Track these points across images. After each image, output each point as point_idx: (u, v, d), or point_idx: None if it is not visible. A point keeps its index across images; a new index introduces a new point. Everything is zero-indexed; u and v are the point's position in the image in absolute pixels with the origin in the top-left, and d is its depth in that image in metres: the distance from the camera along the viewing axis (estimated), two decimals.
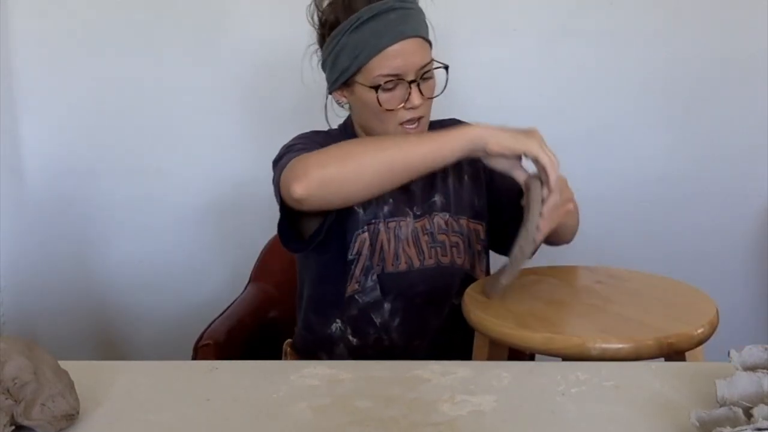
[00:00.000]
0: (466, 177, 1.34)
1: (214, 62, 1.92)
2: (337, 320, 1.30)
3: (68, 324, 2.05)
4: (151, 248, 2.02)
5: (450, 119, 1.39)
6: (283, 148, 1.26)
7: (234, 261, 1.97)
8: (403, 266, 1.28)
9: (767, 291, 1.96)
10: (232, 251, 2.00)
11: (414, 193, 1.31)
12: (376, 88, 1.18)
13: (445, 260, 1.31)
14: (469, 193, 1.34)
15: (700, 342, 1.04)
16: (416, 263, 1.28)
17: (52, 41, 1.92)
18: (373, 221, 1.27)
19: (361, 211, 1.26)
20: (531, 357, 1.25)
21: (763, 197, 1.93)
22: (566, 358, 1.01)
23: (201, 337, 1.34)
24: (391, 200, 1.28)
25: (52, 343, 1.75)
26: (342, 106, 1.30)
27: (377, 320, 1.29)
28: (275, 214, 1.24)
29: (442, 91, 1.25)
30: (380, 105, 1.19)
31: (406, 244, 1.28)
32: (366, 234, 1.26)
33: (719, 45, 1.86)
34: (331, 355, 1.32)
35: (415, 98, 1.19)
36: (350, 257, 1.25)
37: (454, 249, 1.32)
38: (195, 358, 1.32)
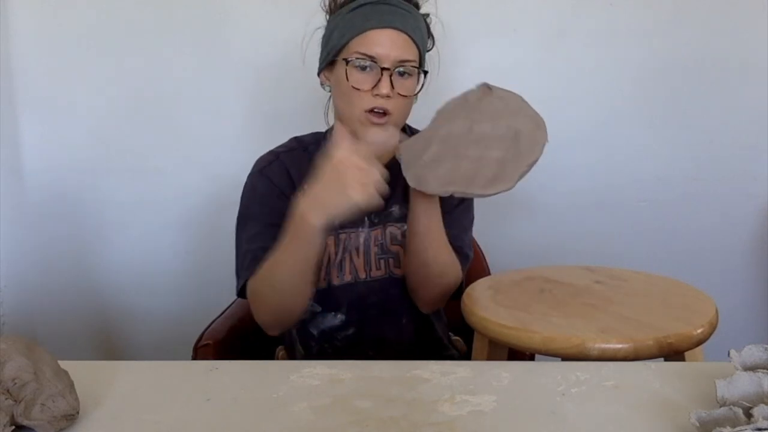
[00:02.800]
0: None
1: (214, 62, 1.92)
2: (292, 328, 1.33)
3: (68, 324, 2.04)
4: (151, 248, 2.02)
5: None
6: (243, 191, 1.30)
7: (234, 261, 1.97)
8: (347, 277, 1.28)
9: (767, 291, 1.96)
10: (232, 251, 1.99)
11: None
12: (348, 62, 1.20)
13: (398, 272, 1.29)
14: None
15: (700, 342, 1.04)
16: (362, 274, 1.28)
17: (53, 41, 1.92)
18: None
19: None
20: (531, 357, 1.24)
21: (763, 197, 1.93)
22: (566, 358, 1.01)
23: (201, 337, 1.34)
24: None
25: (52, 343, 1.76)
26: (324, 88, 1.30)
27: (314, 332, 1.30)
28: None
29: (416, 93, 1.24)
30: (347, 79, 1.19)
31: (355, 254, 1.28)
32: None
33: (719, 45, 1.86)
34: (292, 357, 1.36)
35: (384, 86, 1.18)
36: None
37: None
38: (195, 358, 1.32)
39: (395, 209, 1.30)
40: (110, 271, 2.04)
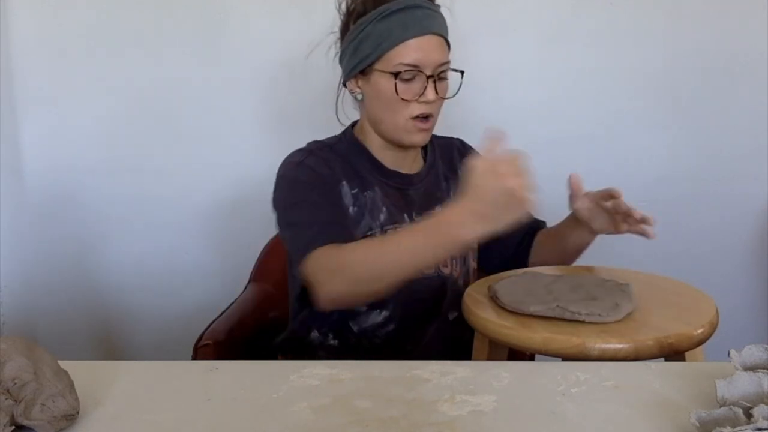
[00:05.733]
0: None
1: (214, 63, 1.92)
2: (318, 325, 1.31)
3: (68, 324, 2.05)
4: (151, 248, 2.02)
5: (457, 139, 1.41)
6: (280, 183, 1.23)
7: (234, 261, 1.97)
8: None
9: (767, 291, 1.96)
10: (232, 251, 2.00)
11: (413, 200, 1.30)
12: (396, 75, 1.19)
13: (446, 271, 1.30)
14: None
15: (700, 342, 1.04)
16: None
17: (53, 41, 1.92)
18: (369, 233, 1.25)
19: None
20: (531, 357, 1.25)
21: (763, 197, 1.93)
22: (566, 358, 1.01)
23: (201, 337, 1.34)
24: (385, 208, 1.27)
25: (52, 343, 1.75)
26: (355, 97, 1.29)
27: (354, 328, 1.29)
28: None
29: (455, 94, 1.25)
30: (397, 93, 1.19)
31: None
32: None
33: (719, 45, 1.86)
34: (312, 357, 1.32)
35: (430, 93, 1.20)
36: None
37: (454, 261, 1.32)
38: (195, 358, 1.32)
39: (438, 210, 1.30)
40: (110, 271, 2.04)
